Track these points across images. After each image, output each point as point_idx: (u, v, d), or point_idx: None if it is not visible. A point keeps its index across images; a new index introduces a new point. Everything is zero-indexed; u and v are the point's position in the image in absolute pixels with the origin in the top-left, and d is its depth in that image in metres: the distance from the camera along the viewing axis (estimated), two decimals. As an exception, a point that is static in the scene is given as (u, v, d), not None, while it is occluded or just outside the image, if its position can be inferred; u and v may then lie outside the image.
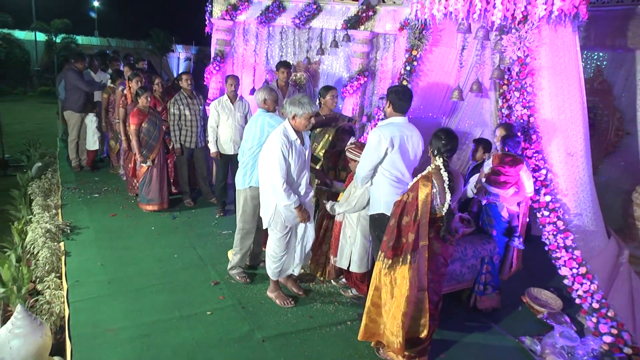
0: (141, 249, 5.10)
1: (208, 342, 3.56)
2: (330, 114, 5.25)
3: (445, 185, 3.26)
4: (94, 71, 8.32)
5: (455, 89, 5.36)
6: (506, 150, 4.17)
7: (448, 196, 3.28)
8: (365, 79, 7.95)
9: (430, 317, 3.40)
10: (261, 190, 4.07)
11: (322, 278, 4.69)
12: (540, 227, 4.15)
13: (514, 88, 4.34)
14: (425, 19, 4.79)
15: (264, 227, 4.17)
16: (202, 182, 6.70)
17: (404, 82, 5.54)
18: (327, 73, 8.47)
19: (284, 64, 6.78)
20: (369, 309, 3.57)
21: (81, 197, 6.58)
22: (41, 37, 25.58)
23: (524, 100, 4.25)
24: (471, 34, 5.00)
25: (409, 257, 3.31)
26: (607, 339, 3.57)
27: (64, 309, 4.00)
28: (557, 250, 3.99)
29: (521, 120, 4.27)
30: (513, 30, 4.29)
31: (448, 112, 6.14)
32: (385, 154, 3.66)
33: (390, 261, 3.40)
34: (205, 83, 8.77)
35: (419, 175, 3.38)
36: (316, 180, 4.77)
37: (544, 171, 4.14)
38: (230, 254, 4.98)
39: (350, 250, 4.25)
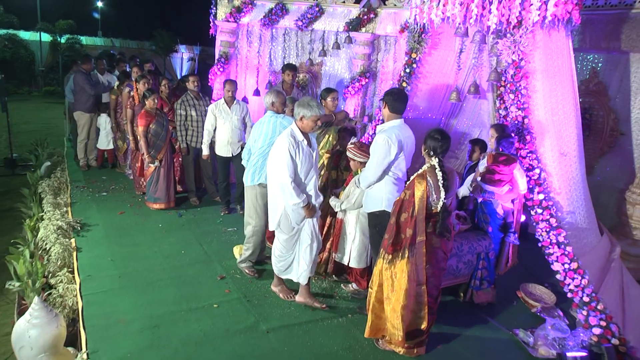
0: (149, 246, 5.28)
1: (215, 333, 3.74)
2: (341, 113, 5.46)
3: (440, 184, 3.44)
4: (100, 72, 8.49)
5: (453, 91, 5.52)
6: (500, 150, 4.34)
7: (442, 193, 3.46)
8: (367, 80, 8.12)
9: (429, 310, 3.57)
10: (269, 193, 4.15)
11: (324, 273, 4.86)
12: (534, 224, 4.31)
13: (508, 90, 4.49)
14: (424, 23, 4.95)
15: (271, 229, 4.25)
16: (208, 181, 6.87)
17: (404, 84, 5.71)
18: (329, 74, 8.64)
19: (289, 67, 6.93)
20: (374, 305, 3.70)
21: (90, 196, 6.77)
22: (46, 37, 25.82)
23: (518, 102, 4.40)
24: (468, 37, 5.16)
25: (407, 252, 3.48)
26: (597, 330, 3.73)
27: (77, 302, 4.18)
28: (550, 246, 4.14)
29: (516, 122, 4.43)
30: (508, 35, 4.45)
31: (447, 113, 6.30)
32: (393, 157, 3.82)
33: (390, 256, 3.56)
34: (209, 84, 8.93)
35: (415, 174, 3.54)
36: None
37: (537, 170, 4.30)
38: (235, 250, 5.16)
39: (350, 246, 4.42)
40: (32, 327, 3.50)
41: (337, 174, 4.96)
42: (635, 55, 5.62)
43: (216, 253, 5.19)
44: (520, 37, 4.36)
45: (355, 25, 7.96)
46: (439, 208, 3.48)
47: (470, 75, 5.73)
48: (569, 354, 3.45)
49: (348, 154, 4.34)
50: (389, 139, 3.80)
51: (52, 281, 4.62)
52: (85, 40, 27.71)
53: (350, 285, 4.63)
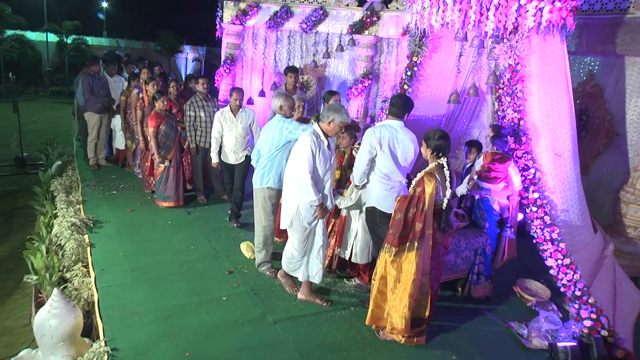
0: (159, 242, 5.48)
1: (224, 324, 3.94)
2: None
3: (447, 182, 3.67)
4: (110, 75, 8.68)
5: (452, 93, 5.71)
6: (495, 149, 4.55)
7: (448, 191, 3.69)
8: (370, 81, 8.32)
9: (431, 301, 3.79)
10: (285, 191, 4.26)
11: (327, 269, 5.04)
12: (529, 221, 4.50)
13: (505, 93, 4.67)
14: (425, 28, 5.14)
15: (283, 227, 4.30)
16: (215, 180, 7.07)
17: (405, 87, 5.90)
18: (333, 76, 8.84)
19: (291, 69, 7.08)
20: (376, 296, 3.90)
21: (100, 194, 6.98)
22: (52, 38, 26.09)
23: (514, 105, 4.58)
24: (467, 41, 5.35)
25: (416, 244, 3.68)
26: (587, 323, 3.91)
27: (93, 294, 4.39)
28: (544, 243, 4.32)
29: (512, 123, 4.61)
30: (505, 40, 4.63)
31: (447, 115, 6.49)
32: (375, 152, 4.02)
33: (395, 249, 3.74)
34: (215, 85, 9.14)
35: (423, 172, 3.73)
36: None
37: (532, 170, 4.48)
38: (242, 247, 5.36)
39: (352, 242, 4.62)
40: (52, 317, 3.70)
41: (340, 174, 5.14)
42: (630, 59, 5.79)
43: (224, 249, 5.39)
44: (517, 42, 4.54)
45: (358, 28, 8.16)
46: (444, 205, 3.71)
47: (470, 78, 5.92)
48: (559, 344, 3.64)
49: (354, 153, 4.55)
50: (372, 133, 4.04)
51: (68, 275, 4.82)
52: (91, 40, 27.98)
53: (353, 279, 4.82)
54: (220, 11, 8.99)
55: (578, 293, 4.07)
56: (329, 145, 4.14)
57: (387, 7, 8.08)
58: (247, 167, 5.98)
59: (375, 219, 4.18)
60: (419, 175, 3.75)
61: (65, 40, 26.04)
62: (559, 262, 4.21)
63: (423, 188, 3.64)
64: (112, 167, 8.47)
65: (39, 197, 6.92)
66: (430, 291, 3.77)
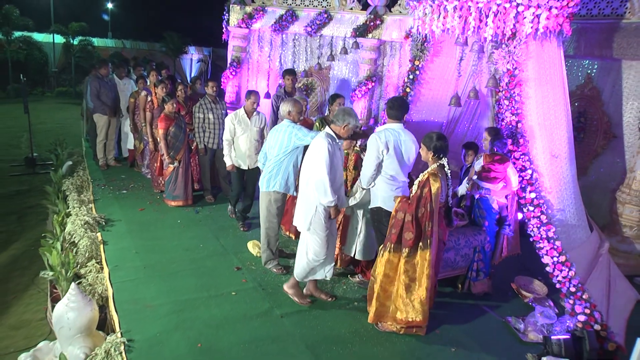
0: (169, 239, 5.68)
1: (234, 317, 4.13)
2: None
3: (449, 181, 3.90)
4: (120, 77, 8.87)
5: (453, 96, 5.88)
6: (495, 150, 4.72)
7: (450, 190, 3.94)
8: (373, 84, 8.49)
9: (433, 293, 4.00)
10: (301, 194, 4.29)
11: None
12: (527, 220, 4.66)
13: (504, 97, 4.84)
14: (426, 34, 5.31)
15: (302, 230, 4.30)
16: (222, 180, 7.27)
17: (407, 90, 6.07)
18: (337, 78, 9.01)
19: (289, 72, 7.25)
20: (379, 294, 4.07)
21: (111, 193, 7.17)
22: (59, 39, 26.35)
23: (512, 108, 4.75)
24: (468, 46, 5.51)
25: (428, 241, 3.87)
26: (581, 317, 4.07)
27: (107, 289, 4.58)
28: (541, 241, 4.49)
29: (510, 126, 4.78)
30: (503, 46, 4.80)
31: (448, 117, 6.66)
32: (382, 156, 4.19)
33: (408, 250, 3.91)
34: (222, 87, 9.32)
35: (426, 173, 3.91)
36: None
37: (529, 171, 4.65)
38: (249, 245, 5.54)
39: (356, 240, 4.80)
40: (70, 310, 3.90)
41: (346, 175, 5.31)
42: (627, 63, 5.94)
43: (232, 246, 5.58)
44: (515, 47, 4.72)
45: (362, 31, 8.33)
46: (447, 203, 3.95)
47: (470, 81, 6.09)
48: (553, 337, 3.80)
49: (362, 154, 4.72)
50: (377, 138, 4.19)
51: (82, 271, 5.02)
52: (96, 41, 28.22)
53: (356, 276, 5.00)
54: (227, 14, 9.18)
55: (573, 289, 4.24)
56: (340, 147, 4.28)
57: (390, 11, 8.25)
58: (259, 174, 5.82)
59: (382, 219, 4.35)
60: (422, 176, 3.92)
61: (71, 41, 26.29)
62: (555, 259, 4.38)
63: (429, 188, 3.82)
64: (121, 167, 8.68)
65: (51, 196, 7.11)
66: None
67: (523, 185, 4.65)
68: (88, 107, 8.80)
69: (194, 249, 5.47)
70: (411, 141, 4.30)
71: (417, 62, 6.09)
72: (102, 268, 5.01)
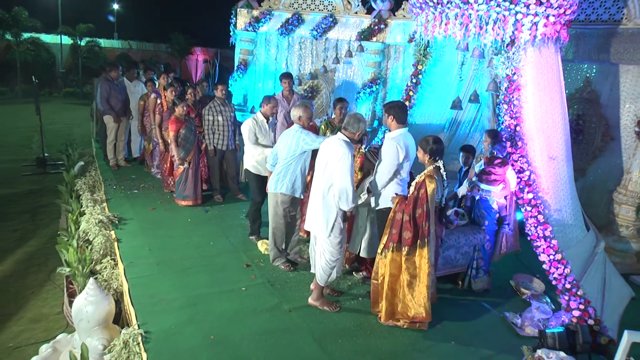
0: (181, 238, 5.89)
1: (244, 311, 4.34)
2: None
3: (444, 182, 4.08)
4: (130, 80, 9.09)
5: (455, 100, 6.07)
6: (495, 153, 4.91)
7: (446, 190, 4.13)
8: (377, 86, 8.67)
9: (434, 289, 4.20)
10: (321, 200, 4.27)
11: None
12: (524, 220, 4.85)
13: (503, 101, 5.02)
14: (428, 40, 5.51)
15: (324, 236, 4.31)
16: (231, 181, 7.48)
17: (410, 93, 6.27)
18: (342, 80, 9.21)
19: (285, 75, 7.41)
20: (387, 293, 4.25)
21: (122, 193, 7.39)
22: (66, 40, 26.65)
23: (511, 112, 4.92)
24: (469, 51, 5.70)
25: (426, 240, 4.07)
26: (576, 313, 4.26)
27: (122, 285, 4.79)
28: (538, 239, 4.67)
29: (509, 129, 4.96)
30: (502, 52, 4.99)
31: (450, 120, 6.85)
32: (401, 161, 4.38)
33: (407, 248, 4.11)
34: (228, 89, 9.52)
35: (422, 175, 4.11)
36: None
37: (527, 172, 4.82)
38: (259, 243, 5.74)
39: (360, 238, 5.00)
40: (89, 304, 4.11)
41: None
42: (624, 67, 6.11)
43: (241, 244, 5.79)
44: (514, 53, 4.89)
45: (366, 34, 8.53)
46: (442, 203, 4.10)
47: (471, 85, 6.27)
48: (548, 330, 3.99)
49: (368, 155, 4.90)
50: (398, 145, 4.35)
51: (97, 268, 5.24)
52: (103, 42, 28.52)
53: (361, 273, 5.20)
54: (234, 18, 9.40)
55: (568, 286, 4.42)
56: None
57: (395, 15, 8.43)
58: None
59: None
60: (418, 178, 4.13)
61: (78, 42, 26.59)
62: (551, 257, 4.56)
63: (425, 189, 4.02)
64: (131, 168, 8.91)
65: (64, 195, 7.34)
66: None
67: (521, 186, 4.83)
68: (98, 109, 9.02)
69: (204, 246, 5.68)
70: (414, 143, 4.49)
71: (420, 67, 6.28)
72: (116, 264, 5.23)
